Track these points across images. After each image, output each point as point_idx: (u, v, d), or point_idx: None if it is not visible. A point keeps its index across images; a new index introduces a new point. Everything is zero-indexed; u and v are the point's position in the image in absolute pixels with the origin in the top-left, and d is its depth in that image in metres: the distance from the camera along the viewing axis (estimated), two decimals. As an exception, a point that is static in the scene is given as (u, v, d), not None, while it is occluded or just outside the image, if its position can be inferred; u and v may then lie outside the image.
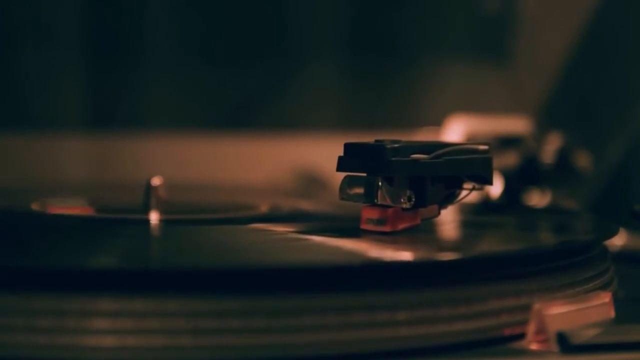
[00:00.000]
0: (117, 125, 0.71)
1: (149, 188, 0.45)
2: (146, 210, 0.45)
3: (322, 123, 0.74)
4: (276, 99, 0.74)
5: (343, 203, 0.39)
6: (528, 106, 0.72)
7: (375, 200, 0.37)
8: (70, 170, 0.70)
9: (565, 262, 0.36)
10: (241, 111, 0.74)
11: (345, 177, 0.38)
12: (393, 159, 0.37)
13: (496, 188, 0.55)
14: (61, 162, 0.70)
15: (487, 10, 0.77)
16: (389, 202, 0.38)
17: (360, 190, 0.38)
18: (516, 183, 0.57)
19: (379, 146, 0.37)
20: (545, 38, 0.75)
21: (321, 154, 0.68)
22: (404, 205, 0.38)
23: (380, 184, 0.37)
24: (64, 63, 0.70)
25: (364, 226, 0.38)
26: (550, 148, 0.58)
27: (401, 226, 0.38)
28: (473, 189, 0.40)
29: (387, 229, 0.38)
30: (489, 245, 0.41)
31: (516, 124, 0.61)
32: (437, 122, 0.66)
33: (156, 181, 0.45)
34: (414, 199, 0.38)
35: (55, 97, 0.70)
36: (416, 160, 0.38)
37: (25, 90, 0.71)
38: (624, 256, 0.49)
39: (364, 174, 0.38)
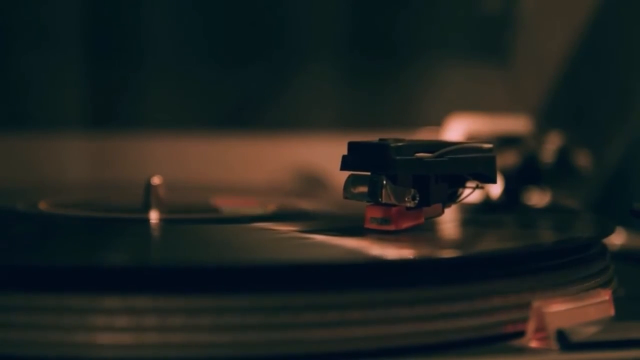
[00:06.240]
0: (117, 125, 0.71)
1: (148, 188, 0.45)
2: (146, 209, 0.45)
3: (322, 123, 0.74)
4: (276, 99, 0.74)
5: (343, 202, 0.39)
6: (528, 106, 0.72)
7: (380, 199, 0.37)
8: (70, 170, 0.70)
9: (565, 260, 0.36)
10: (241, 111, 0.74)
11: (349, 176, 0.38)
12: (397, 157, 0.37)
13: (496, 187, 0.55)
14: (61, 162, 0.70)
15: (487, 10, 0.77)
16: (393, 200, 0.38)
17: (364, 189, 0.38)
18: (516, 182, 0.57)
19: (383, 145, 0.37)
20: (545, 38, 0.75)
21: (321, 154, 0.68)
22: (408, 204, 0.38)
23: (384, 182, 0.37)
24: (64, 63, 0.70)
25: (368, 225, 0.38)
26: (550, 147, 0.58)
27: (405, 225, 0.38)
28: (477, 187, 0.40)
29: (391, 227, 0.38)
30: (489, 243, 0.41)
31: (516, 124, 0.61)
32: (437, 122, 0.66)
33: (156, 181, 0.45)
34: (418, 198, 0.38)
35: (55, 97, 0.70)
36: (420, 159, 0.38)
37: (25, 90, 0.71)
38: (623, 255, 0.49)
39: (368, 173, 0.38)
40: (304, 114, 0.74)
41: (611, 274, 0.40)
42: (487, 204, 0.54)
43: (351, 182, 0.38)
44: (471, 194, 0.40)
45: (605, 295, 0.35)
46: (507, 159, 0.58)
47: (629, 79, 0.69)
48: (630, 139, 0.67)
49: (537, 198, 0.57)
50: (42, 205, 0.48)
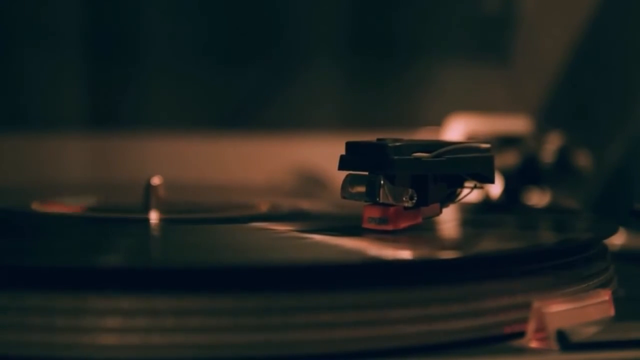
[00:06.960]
0: (117, 125, 0.72)
1: (148, 188, 0.45)
2: (146, 209, 0.45)
3: (322, 123, 0.74)
4: (276, 98, 0.74)
5: (343, 202, 0.39)
6: (528, 106, 0.72)
7: (377, 199, 0.37)
8: (70, 170, 0.70)
9: (565, 261, 0.36)
10: (241, 111, 0.74)
11: (347, 176, 0.38)
12: (395, 157, 0.37)
13: (496, 187, 0.55)
14: (61, 162, 0.70)
15: (487, 10, 0.77)
16: (390, 200, 0.37)
17: (362, 189, 0.38)
18: (516, 182, 0.57)
19: (381, 144, 0.37)
20: (545, 38, 0.75)
21: (321, 154, 0.68)
22: (406, 204, 0.38)
23: (382, 182, 0.37)
24: (64, 63, 0.70)
25: (365, 225, 0.38)
26: (550, 147, 0.58)
27: (403, 225, 0.38)
28: (475, 187, 0.40)
29: (389, 227, 0.38)
30: (489, 243, 0.41)
31: (516, 124, 0.61)
32: (437, 122, 0.66)
33: (156, 181, 0.45)
34: (415, 198, 0.38)
35: (55, 97, 0.70)
36: (418, 159, 0.38)
37: (25, 90, 0.71)
38: (624, 255, 0.49)
39: (366, 173, 0.38)
40: (304, 114, 0.75)
41: (611, 274, 0.40)
42: (487, 204, 0.54)
43: (349, 181, 0.38)
44: (469, 194, 0.40)
45: (605, 295, 0.35)
46: (507, 159, 0.58)
47: (629, 78, 0.69)
48: (631, 139, 0.67)
49: (537, 198, 0.57)
50: (42, 205, 0.48)
